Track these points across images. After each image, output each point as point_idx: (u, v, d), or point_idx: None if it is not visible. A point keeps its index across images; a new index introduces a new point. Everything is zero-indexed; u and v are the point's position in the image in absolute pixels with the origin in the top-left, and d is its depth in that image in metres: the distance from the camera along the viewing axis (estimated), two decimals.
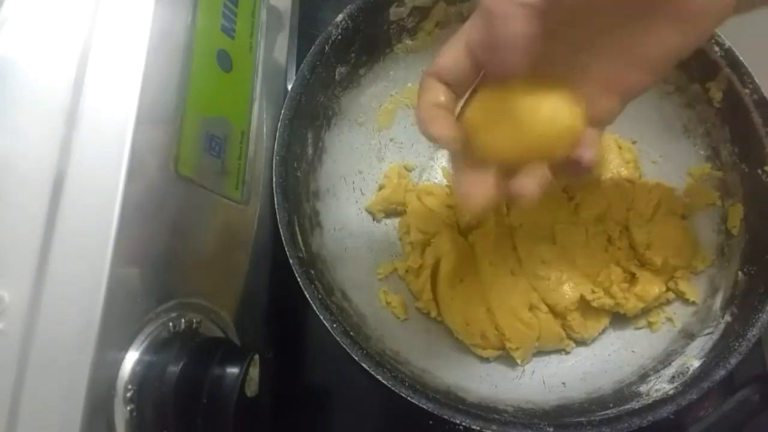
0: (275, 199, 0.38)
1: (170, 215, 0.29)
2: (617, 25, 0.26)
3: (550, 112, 0.26)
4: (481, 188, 0.28)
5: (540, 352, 0.43)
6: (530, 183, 0.27)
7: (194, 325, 0.30)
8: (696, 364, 0.37)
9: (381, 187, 0.47)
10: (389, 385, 0.34)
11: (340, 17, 0.42)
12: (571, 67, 0.28)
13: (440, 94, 0.27)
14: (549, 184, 0.28)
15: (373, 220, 0.47)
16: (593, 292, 0.42)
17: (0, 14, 0.28)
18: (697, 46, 0.27)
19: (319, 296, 0.36)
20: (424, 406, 0.33)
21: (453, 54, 0.26)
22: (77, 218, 0.25)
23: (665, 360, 0.39)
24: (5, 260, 0.25)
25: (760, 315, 0.36)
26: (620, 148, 0.46)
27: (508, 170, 0.28)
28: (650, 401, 0.35)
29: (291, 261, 0.36)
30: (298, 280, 0.36)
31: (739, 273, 0.40)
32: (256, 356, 0.28)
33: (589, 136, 0.28)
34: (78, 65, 0.27)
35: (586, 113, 0.27)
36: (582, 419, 0.35)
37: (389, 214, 0.47)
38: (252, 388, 0.28)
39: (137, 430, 0.25)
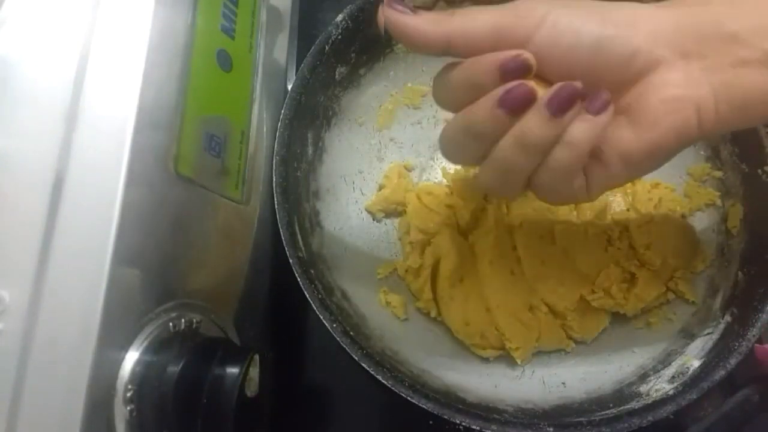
0: (275, 199, 0.38)
1: (170, 215, 0.29)
2: None
3: None
4: None
5: (540, 352, 0.43)
6: None
7: (194, 325, 0.30)
8: (696, 364, 0.37)
9: (381, 187, 0.47)
10: (389, 385, 0.34)
11: (340, 17, 0.42)
12: None
13: None
14: None
15: (373, 220, 0.47)
16: (593, 292, 0.42)
17: (0, 14, 0.28)
18: (654, 156, 0.27)
19: (319, 296, 0.36)
20: (424, 406, 0.33)
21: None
22: (77, 218, 0.25)
23: (665, 360, 0.39)
24: (5, 260, 0.25)
25: (760, 315, 0.36)
26: None
27: None
28: (650, 401, 0.35)
29: (291, 261, 0.36)
30: (298, 280, 0.36)
31: (739, 273, 0.40)
32: (256, 356, 0.28)
33: None
34: (78, 65, 0.27)
35: None
36: (582, 419, 0.35)
37: (389, 214, 0.47)
38: (252, 388, 0.28)
39: (137, 430, 0.25)
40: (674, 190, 0.44)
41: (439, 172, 0.48)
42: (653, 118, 0.26)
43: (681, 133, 0.26)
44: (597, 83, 0.25)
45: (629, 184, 0.45)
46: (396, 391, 0.33)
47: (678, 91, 0.25)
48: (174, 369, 0.26)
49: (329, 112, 0.45)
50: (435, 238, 0.43)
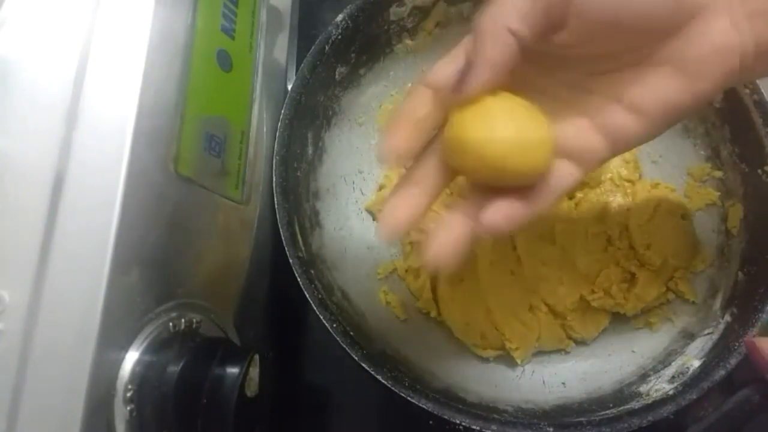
0: (275, 199, 0.38)
1: (170, 215, 0.29)
2: (614, 67, 0.26)
3: (516, 132, 0.24)
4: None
5: (540, 352, 0.43)
6: (496, 215, 0.25)
7: (194, 325, 0.30)
8: (696, 364, 0.37)
9: (381, 187, 0.47)
10: (389, 385, 0.34)
11: (340, 17, 0.42)
12: (560, 101, 0.27)
13: (423, 105, 0.26)
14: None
15: (373, 220, 0.47)
16: (593, 292, 0.42)
17: (0, 14, 0.28)
18: (695, 106, 0.26)
19: (319, 296, 0.36)
20: (424, 406, 0.33)
21: (449, 63, 0.26)
22: (77, 218, 0.25)
23: (665, 360, 0.39)
24: (5, 260, 0.25)
25: (760, 315, 0.36)
26: None
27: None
28: (650, 401, 0.35)
29: (291, 261, 0.36)
30: (298, 280, 0.36)
31: (739, 273, 0.40)
32: (256, 356, 0.28)
33: (561, 170, 0.26)
34: (78, 65, 0.27)
35: (555, 140, 0.25)
36: (582, 419, 0.35)
37: None
38: (252, 388, 0.28)
39: (137, 430, 0.25)
40: (674, 190, 0.45)
41: None
42: (701, 68, 0.25)
43: (726, 81, 0.25)
44: (643, 30, 0.25)
45: (629, 184, 0.45)
46: (396, 391, 0.33)
47: (726, 38, 0.25)
48: (174, 369, 0.26)
49: (329, 112, 0.45)
50: None
